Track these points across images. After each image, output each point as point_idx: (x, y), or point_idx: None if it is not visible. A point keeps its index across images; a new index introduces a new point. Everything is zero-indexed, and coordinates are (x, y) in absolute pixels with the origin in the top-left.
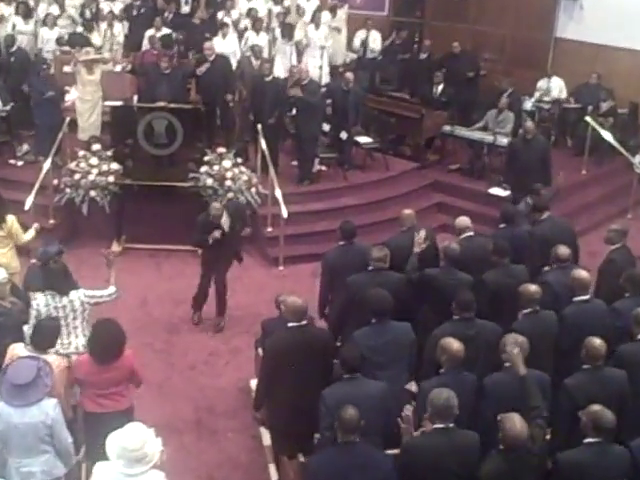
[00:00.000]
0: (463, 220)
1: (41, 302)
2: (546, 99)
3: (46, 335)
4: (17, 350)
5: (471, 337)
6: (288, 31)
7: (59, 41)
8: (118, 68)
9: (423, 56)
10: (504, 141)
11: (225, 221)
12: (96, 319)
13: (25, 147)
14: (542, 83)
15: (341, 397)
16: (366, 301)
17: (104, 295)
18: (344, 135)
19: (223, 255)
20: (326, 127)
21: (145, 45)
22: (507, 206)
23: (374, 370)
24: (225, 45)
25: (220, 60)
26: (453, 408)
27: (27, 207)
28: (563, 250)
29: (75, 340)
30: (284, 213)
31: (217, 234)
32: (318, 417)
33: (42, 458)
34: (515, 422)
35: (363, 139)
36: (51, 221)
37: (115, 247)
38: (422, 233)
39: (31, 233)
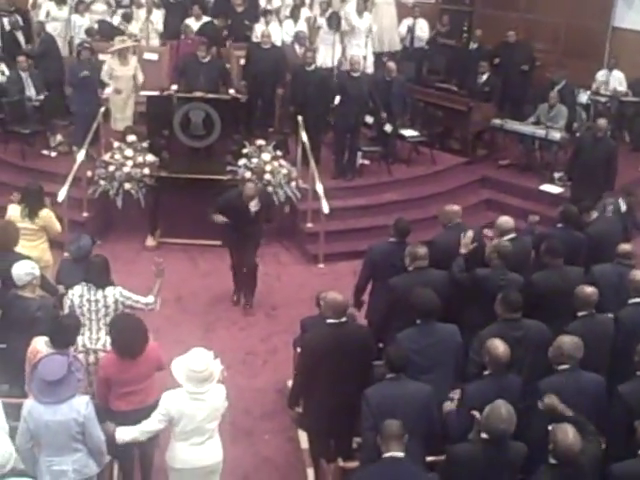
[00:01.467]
0: (506, 221)
1: (76, 292)
2: (604, 92)
3: (65, 333)
4: (38, 345)
5: (518, 339)
6: (335, 21)
7: (89, 32)
8: (155, 57)
9: (473, 46)
10: (557, 136)
11: (255, 204)
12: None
13: (59, 137)
14: (601, 75)
15: (384, 397)
16: (411, 302)
17: (141, 302)
18: (388, 128)
19: (247, 238)
20: (370, 120)
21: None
22: (569, 206)
23: (417, 373)
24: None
25: (274, 50)
26: (509, 433)
27: (60, 199)
28: (625, 247)
29: (104, 337)
30: (325, 208)
31: (220, 219)
32: (356, 418)
33: (74, 457)
34: (568, 433)
35: (409, 132)
36: (84, 214)
37: (150, 241)
38: (470, 234)
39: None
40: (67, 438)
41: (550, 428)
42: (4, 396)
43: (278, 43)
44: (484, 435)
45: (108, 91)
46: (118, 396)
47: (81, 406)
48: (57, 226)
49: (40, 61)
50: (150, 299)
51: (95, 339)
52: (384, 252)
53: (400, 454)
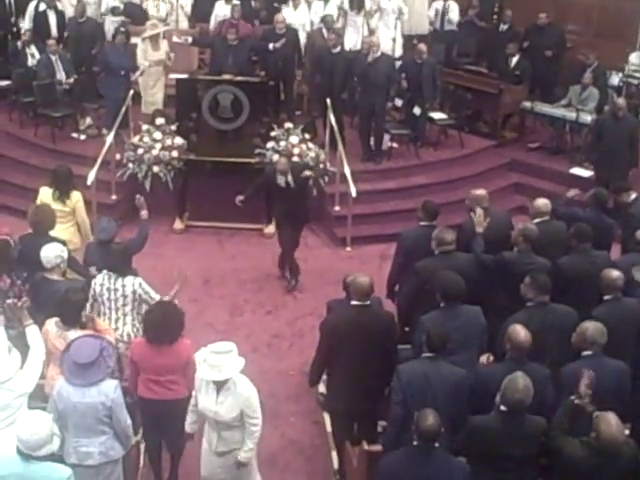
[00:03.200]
0: (544, 204)
1: (98, 281)
2: (637, 74)
3: (70, 309)
4: (48, 326)
5: (547, 324)
6: (357, 2)
7: (114, 11)
8: (183, 40)
9: (504, 27)
10: (588, 119)
11: (281, 179)
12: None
13: (88, 120)
14: (634, 57)
15: (416, 375)
16: (435, 284)
17: (156, 300)
18: (417, 111)
19: (288, 216)
20: (399, 102)
21: (218, 16)
22: (600, 189)
23: (444, 355)
24: (296, 16)
25: (290, 33)
26: (526, 404)
27: (89, 182)
28: None
29: (123, 327)
30: (353, 192)
31: (240, 199)
32: (379, 402)
33: (100, 439)
34: (611, 422)
35: (437, 115)
36: (113, 197)
37: (177, 224)
38: (479, 211)
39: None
40: (94, 421)
41: (594, 416)
42: None
43: (307, 26)
44: (502, 407)
45: (138, 74)
46: (142, 381)
47: (110, 390)
48: (84, 214)
49: (79, 44)
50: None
51: (114, 328)
52: (416, 237)
53: (434, 445)
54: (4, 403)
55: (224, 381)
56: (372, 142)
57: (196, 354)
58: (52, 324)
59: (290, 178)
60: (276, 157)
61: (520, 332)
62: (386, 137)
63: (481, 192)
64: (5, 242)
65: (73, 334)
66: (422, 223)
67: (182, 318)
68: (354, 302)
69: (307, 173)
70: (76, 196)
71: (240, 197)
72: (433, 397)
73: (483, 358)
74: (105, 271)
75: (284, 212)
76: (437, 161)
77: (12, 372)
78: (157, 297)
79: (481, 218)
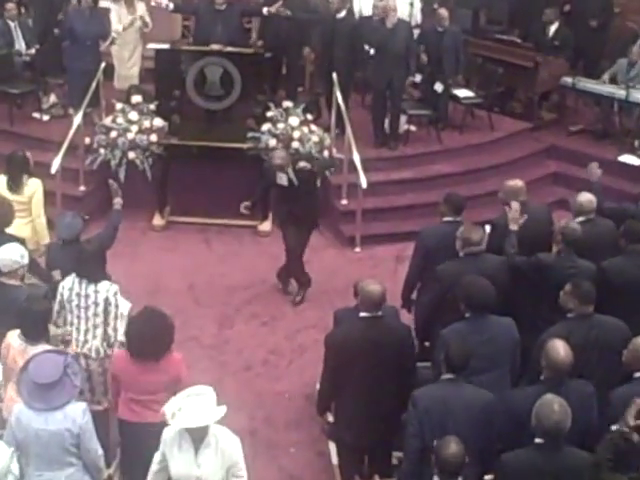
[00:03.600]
0: (589, 200)
1: (67, 285)
2: None
3: (33, 321)
4: (11, 338)
5: (590, 339)
6: None
7: None
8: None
9: None
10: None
11: (284, 177)
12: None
13: (52, 98)
14: None
15: (435, 401)
16: (460, 292)
17: (118, 327)
18: (439, 87)
19: (292, 217)
20: (418, 77)
21: None
22: None
23: (469, 374)
24: None
25: (297, 1)
26: (564, 430)
27: (53, 170)
28: None
29: (92, 341)
30: (363, 182)
31: (246, 205)
32: (395, 431)
33: (67, 471)
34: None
35: (463, 92)
36: (81, 188)
37: (157, 220)
38: (515, 206)
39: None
40: (60, 450)
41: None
42: None
43: None
44: (537, 440)
45: (107, 43)
46: (123, 401)
47: (77, 414)
48: (41, 206)
49: (39, 10)
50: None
51: (82, 342)
52: (437, 236)
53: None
54: None
55: (203, 435)
56: (386, 124)
57: (165, 407)
58: (15, 337)
59: (292, 174)
60: (273, 142)
61: (559, 349)
62: (403, 118)
63: (517, 183)
64: None
65: (40, 349)
66: (445, 219)
67: (172, 329)
68: (363, 314)
69: (302, 165)
70: (34, 184)
71: (246, 203)
72: (455, 427)
73: None
74: (76, 274)
75: (288, 214)
76: (462, 147)
77: None
78: (123, 321)
79: (517, 214)
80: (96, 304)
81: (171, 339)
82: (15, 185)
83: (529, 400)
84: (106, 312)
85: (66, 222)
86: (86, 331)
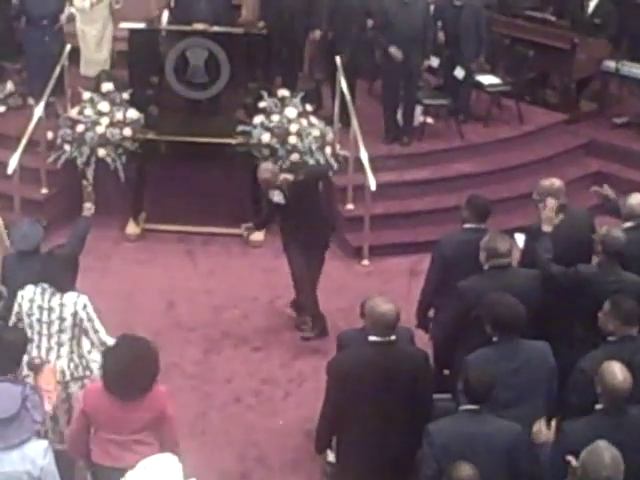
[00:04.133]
0: (638, 201)
1: (27, 295)
2: None
3: (7, 353)
4: None
5: (637, 365)
6: None
7: None
8: None
9: None
10: None
11: (274, 194)
12: (120, 334)
13: (9, 86)
14: None
15: (454, 436)
16: (485, 312)
17: (100, 334)
18: (460, 73)
19: (306, 232)
20: (435, 61)
21: None
22: None
23: (496, 408)
24: None
25: None
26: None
27: (10, 170)
28: None
29: (56, 361)
30: (371, 184)
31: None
32: (410, 474)
33: None
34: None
35: (488, 79)
36: (43, 190)
37: (132, 228)
38: (550, 202)
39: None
40: None
41: None
42: None
43: None
44: None
45: (64, 20)
46: (98, 442)
47: (38, 454)
48: None
49: None
50: (110, 340)
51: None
52: (458, 245)
53: None
54: None
55: None
56: (399, 116)
57: None
58: None
59: (279, 191)
60: (266, 137)
61: (617, 372)
62: (418, 109)
63: (555, 183)
64: None
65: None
66: (467, 226)
67: (156, 360)
68: (373, 338)
69: (284, 177)
70: None
71: (248, 225)
72: (479, 466)
73: (536, 427)
74: (41, 283)
75: (290, 236)
76: (487, 142)
77: None
78: (102, 332)
79: (552, 212)
80: (61, 319)
81: (156, 372)
82: None
83: (588, 435)
84: (76, 328)
85: (23, 231)
86: (49, 349)
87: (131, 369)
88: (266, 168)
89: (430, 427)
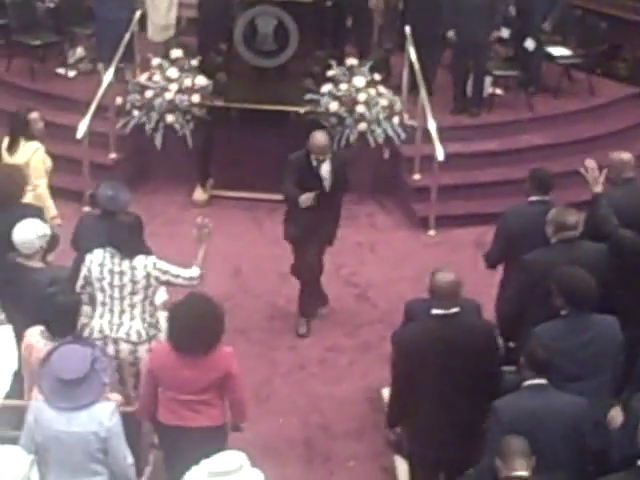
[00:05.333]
0: None
1: (96, 259)
2: None
3: (60, 316)
4: (32, 338)
5: None
6: None
7: None
8: None
9: None
10: None
11: (327, 171)
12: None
13: (79, 51)
14: None
15: (521, 411)
16: (555, 285)
17: (182, 276)
18: (530, 44)
19: (317, 220)
20: (505, 33)
21: None
22: None
23: (563, 382)
24: None
25: None
26: None
27: (80, 135)
28: None
29: (129, 322)
30: (439, 154)
31: (311, 197)
32: (476, 445)
33: None
34: None
35: (559, 51)
36: (112, 155)
37: (199, 194)
38: (591, 163)
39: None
40: (84, 456)
41: None
42: (7, 397)
43: None
44: None
45: None
46: (164, 402)
47: (104, 416)
48: (41, 174)
49: None
50: (194, 271)
51: (117, 325)
52: (523, 216)
53: (525, 473)
54: None
55: None
56: (468, 87)
57: None
58: (36, 336)
59: (327, 167)
60: (334, 105)
61: None
62: (487, 80)
63: (623, 156)
64: None
65: None
66: (532, 198)
67: (222, 319)
68: (435, 311)
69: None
70: (31, 148)
71: (310, 195)
72: (546, 440)
73: (613, 412)
74: (108, 248)
75: (313, 218)
76: (557, 114)
77: None
78: (182, 271)
79: (596, 172)
80: (134, 282)
81: (221, 330)
82: (12, 147)
83: None
84: (149, 289)
85: (112, 194)
86: (121, 312)
87: (197, 326)
88: (321, 139)
89: (496, 404)
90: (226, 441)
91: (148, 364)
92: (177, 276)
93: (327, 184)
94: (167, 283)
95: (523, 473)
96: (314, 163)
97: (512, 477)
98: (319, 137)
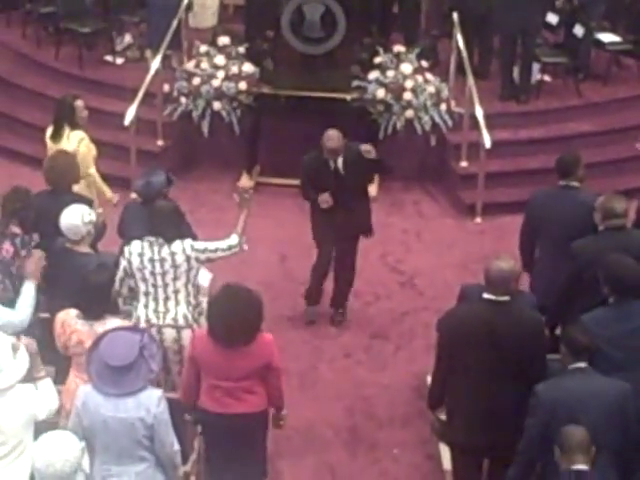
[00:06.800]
0: None
1: (135, 250)
2: None
3: (92, 296)
4: (67, 317)
5: None
6: None
7: None
8: None
9: None
10: None
11: (340, 163)
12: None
13: (127, 38)
14: None
15: (563, 395)
16: (602, 272)
17: (221, 247)
18: (579, 31)
19: (343, 218)
20: (553, 19)
21: None
22: None
23: (608, 369)
24: None
25: None
26: None
27: (127, 122)
28: None
29: (175, 308)
30: (487, 142)
31: (328, 197)
32: (520, 433)
33: (138, 467)
34: None
35: (608, 37)
36: (159, 142)
37: (245, 181)
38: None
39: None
40: (130, 443)
41: None
42: None
43: None
44: None
45: None
46: (205, 388)
47: (152, 402)
48: (89, 161)
49: None
50: (233, 239)
51: (162, 312)
52: (545, 200)
53: (585, 467)
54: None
55: None
56: (516, 73)
57: None
58: (73, 317)
59: (340, 162)
60: (381, 92)
61: None
62: (535, 67)
63: None
64: (20, 190)
65: (110, 325)
66: (559, 183)
67: (260, 309)
68: (486, 295)
69: (365, 148)
70: (75, 137)
71: (326, 197)
72: (589, 422)
73: None
74: (146, 237)
75: (336, 218)
76: (606, 101)
77: (15, 378)
78: (219, 243)
79: None
80: (175, 267)
81: (260, 320)
82: (57, 134)
83: None
84: (191, 272)
85: (146, 179)
86: (166, 299)
87: (233, 319)
88: (333, 136)
89: (537, 388)
90: (267, 428)
91: (190, 350)
92: (215, 250)
93: (346, 177)
94: (208, 260)
95: (583, 467)
96: (330, 162)
97: (572, 470)
98: (332, 137)
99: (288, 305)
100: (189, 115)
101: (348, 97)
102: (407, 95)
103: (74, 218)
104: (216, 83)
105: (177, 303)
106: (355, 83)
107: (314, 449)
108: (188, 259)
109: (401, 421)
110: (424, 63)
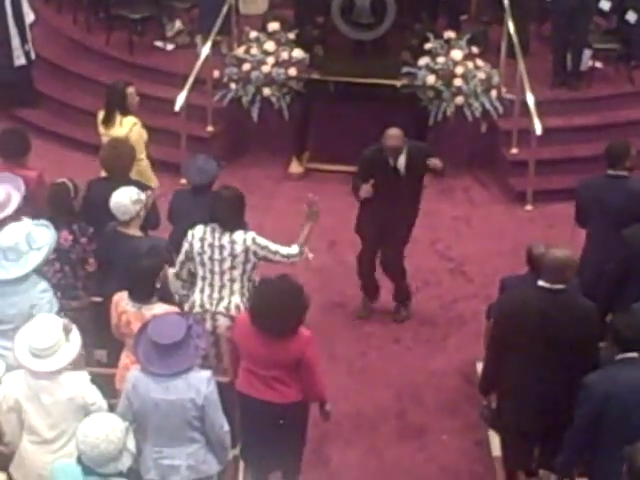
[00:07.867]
0: None
1: (197, 234)
2: None
3: (140, 280)
4: (119, 300)
5: None
6: None
7: None
8: None
9: None
10: None
11: (403, 165)
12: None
13: (178, 24)
14: None
15: (613, 385)
16: None
17: (280, 252)
18: (632, 17)
19: (393, 218)
20: (606, 5)
21: None
22: None
23: None
24: None
25: None
26: None
27: (177, 108)
28: None
29: (229, 297)
30: (537, 128)
31: (369, 189)
32: (566, 417)
33: (189, 449)
34: None
35: None
36: (209, 128)
37: (295, 167)
38: None
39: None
40: (181, 424)
41: None
42: (101, 366)
43: None
44: None
45: None
46: (242, 371)
47: (201, 383)
48: (142, 147)
49: None
50: (294, 249)
51: (216, 299)
52: (590, 189)
53: None
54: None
55: None
56: (568, 60)
57: None
58: (125, 299)
59: (402, 161)
60: (431, 78)
61: None
62: (587, 53)
63: None
64: (62, 186)
65: (157, 309)
66: (608, 172)
67: (304, 303)
68: (541, 282)
69: (433, 162)
70: (128, 123)
71: (367, 187)
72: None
73: None
74: (209, 223)
75: (388, 214)
76: None
77: (67, 360)
78: (280, 248)
79: None
80: (233, 256)
81: (301, 316)
82: (108, 120)
83: None
84: (248, 264)
85: (198, 166)
86: (221, 287)
87: (276, 308)
88: (395, 134)
89: (587, 379)
90: (302, 422)
91: (232, 332)
92: (275, 252)
93: (404, 178)
94: (264, 259)
95: None
96: (390, 160)
97: None
98: (392, 135)
99: (337, 291)
100: (239, 101)
101: (398, 83)
102: (457, 81)
103: (122, 197)
104: (266, 69)
105: (232, 292)
106: (405, 69)
107: (362, 435)
108: (247, 250)
109: (450, 407)
110: (474, 49)
